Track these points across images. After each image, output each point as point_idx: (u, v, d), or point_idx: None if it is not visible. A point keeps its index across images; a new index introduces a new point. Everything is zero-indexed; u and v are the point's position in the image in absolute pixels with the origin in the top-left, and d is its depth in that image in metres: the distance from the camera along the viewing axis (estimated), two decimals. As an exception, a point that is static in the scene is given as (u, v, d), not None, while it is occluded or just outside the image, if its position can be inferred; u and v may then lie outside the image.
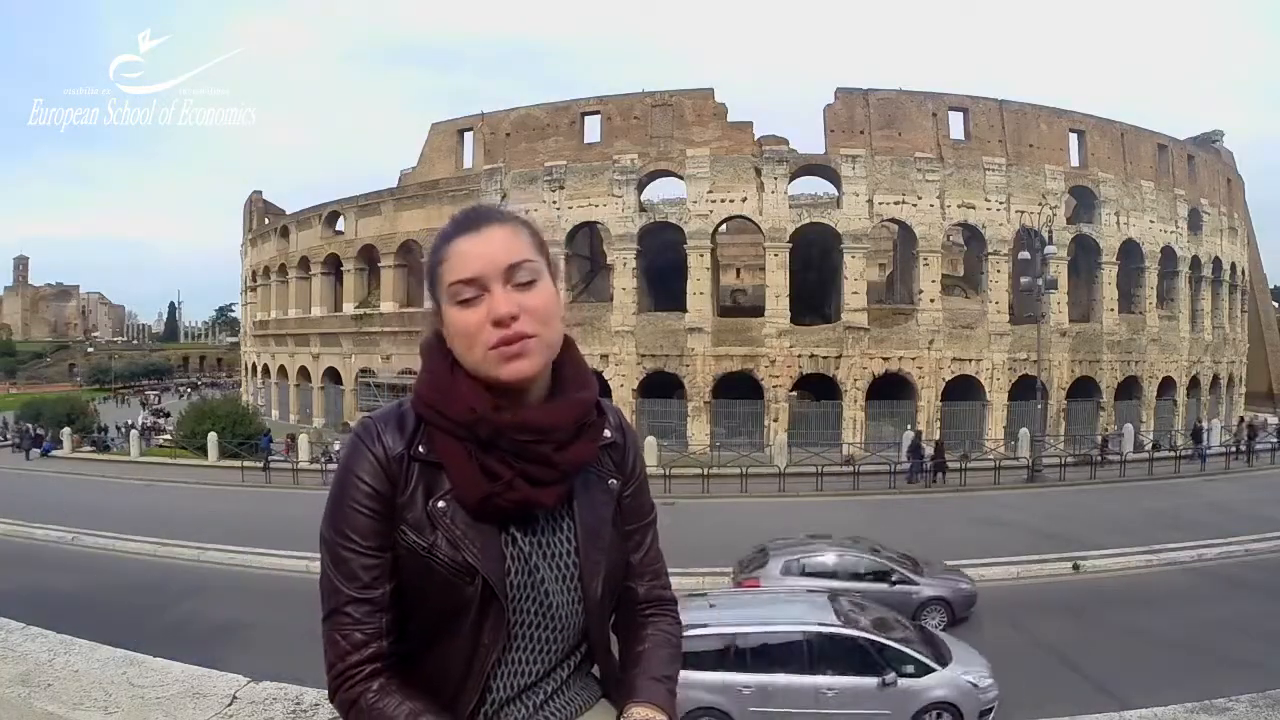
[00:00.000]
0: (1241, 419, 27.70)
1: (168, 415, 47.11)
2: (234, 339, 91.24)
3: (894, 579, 10.66)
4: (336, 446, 25.08)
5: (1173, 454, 24.66)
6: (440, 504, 1.08)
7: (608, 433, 1.21)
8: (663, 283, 31.68)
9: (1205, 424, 27.65)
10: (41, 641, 2.21)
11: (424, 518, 1.08)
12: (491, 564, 1.07)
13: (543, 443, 1.09)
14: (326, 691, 1.10)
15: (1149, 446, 26.93)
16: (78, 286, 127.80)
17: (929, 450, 23.27)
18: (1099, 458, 24.19)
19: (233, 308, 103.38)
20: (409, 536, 1.07)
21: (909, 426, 27.10)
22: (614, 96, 30.95)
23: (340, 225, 37.91)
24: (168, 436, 35.01)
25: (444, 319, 1.10)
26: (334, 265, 37.61)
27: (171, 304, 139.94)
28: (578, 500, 1.16)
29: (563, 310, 1.14)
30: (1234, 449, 25.51)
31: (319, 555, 1.11)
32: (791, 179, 29.41)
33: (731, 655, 7.69)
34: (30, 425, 35.53)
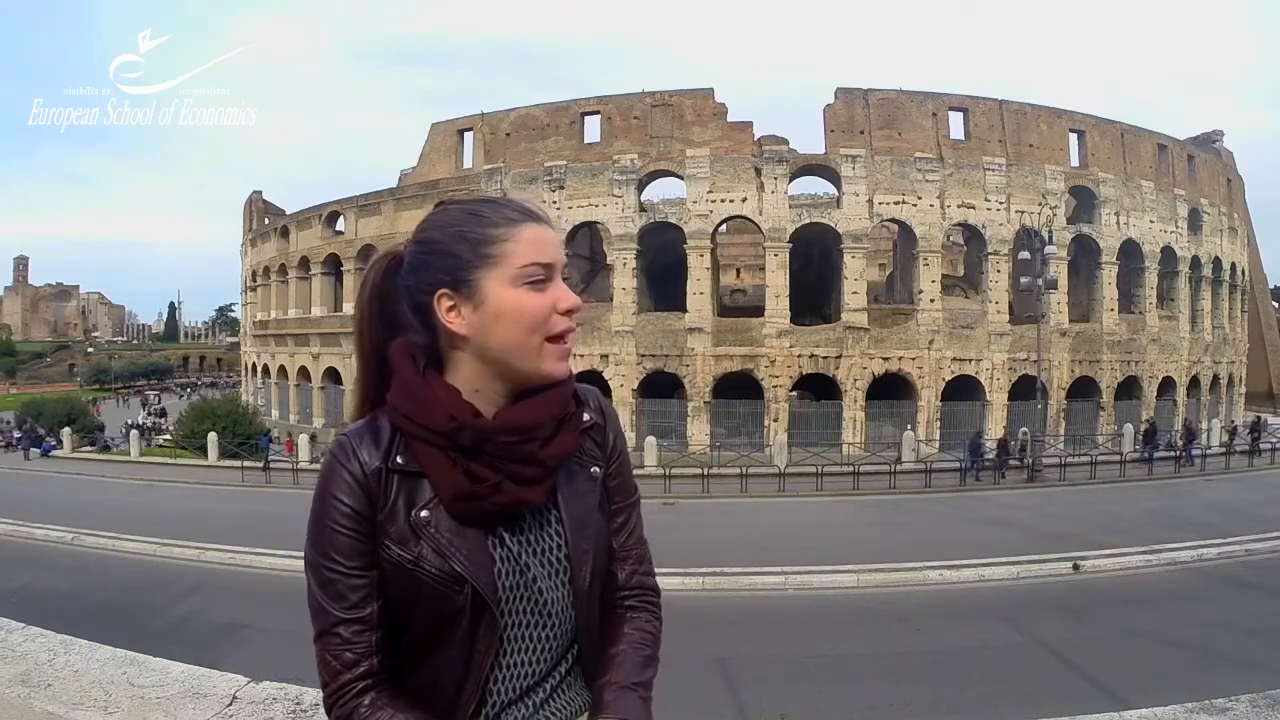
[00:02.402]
0: (1186, 421, 27.29)
1: (164, 415, 47.13)
2: (234, 339, 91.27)
3: None
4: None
5: (1125, 457, 23.92)
6: (423, 514, 1.06)
7: (588, 416, 1.20)
8: (663, 283, 31.70)
9: (1158, 424, 27.06)
10: (41, 641, 2.20)
11: (407, 530, 1.05)
12: (480, 570, 1.06)
13: (528, 441, 1.08)
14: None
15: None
16: (78, 286, 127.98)
17: (991, 447, 23.22)
18: (1018, 460, 23.00)
19: (233, 308, 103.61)
20: (393, 551, 1.05)
21: (908, 427, 27.14)
22: (614, 96, 30.95)
23: (340, 225, 37.91)
24: (167, 436, 35.03)
25: (488, 301, 1.06)
26: (334, 265, 37.60)
27: (171, 304, 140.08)
28: (562, 492, 1.14)
29: None
30: (1177, 453, 24.62)
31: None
32: (791, 179, 29.41)
33: None
34: (30, 423, 35.47)
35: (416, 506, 1.06)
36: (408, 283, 1.12)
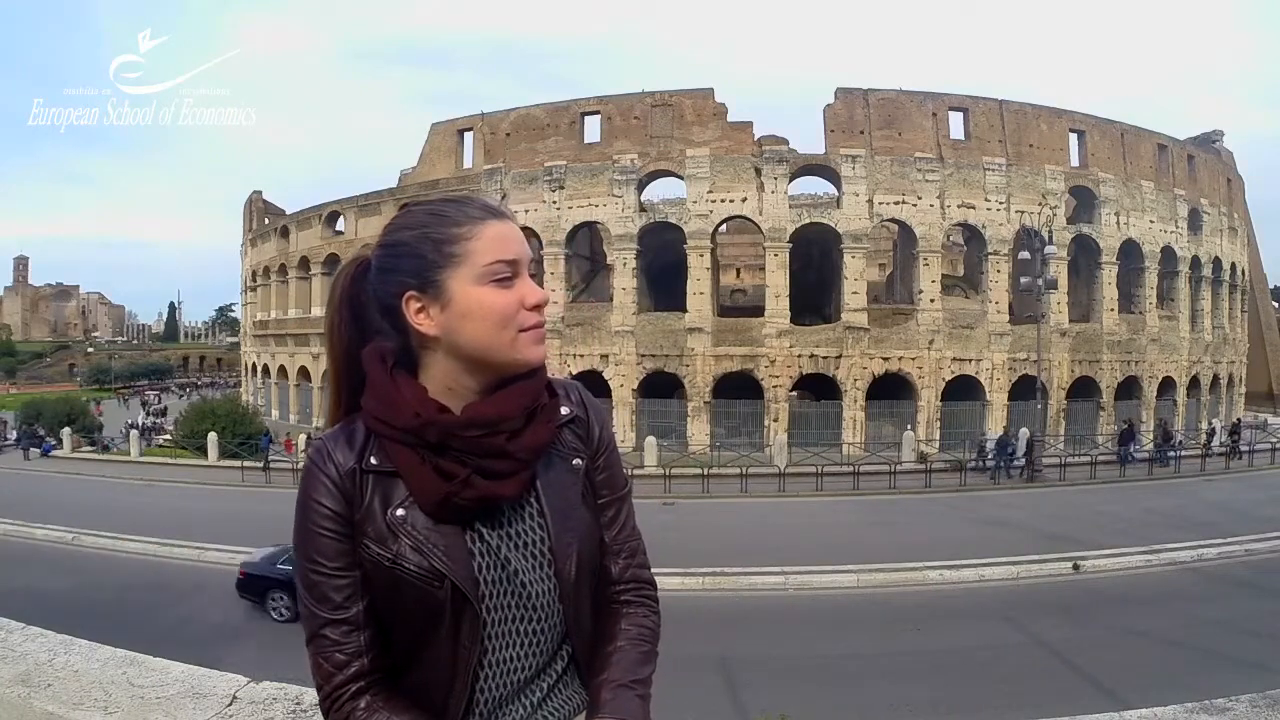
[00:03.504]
0: (1161, 422, 27.16)
1: (164, 414, 47.11)
2: (234, 339, 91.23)
3: None
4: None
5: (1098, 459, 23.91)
6: (399, 512, 1.07)
7: (565, 409, 1.20)
8: (663, 283, 31.68)
9: (1136, 425, 26.75)
10: (41, 641, 2.20)
11: (385, 528, 1.06)
12: (458, 565, 1.06)
13: (494, 435, 1.08)
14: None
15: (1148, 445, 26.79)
16: (78, 286, 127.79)
17: (1020, 447, 23.31)
18: (975, 462, 23.12)
19: (233, 308, 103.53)
20: (372, 550, 1.06)
21: (908, 427, 27.13)
22: (614, 96, 30.94)
23: (340, 225, 37.92)
24: (167, 436, 35.02)
25: (455, 301, 1.07)
26: (334, 265, 37.49)
27: (171, 304, 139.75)
28: (542, 483, 1.14)
29: None
30: (1153, 454, 24.50)
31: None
32: (791, 179, 29.40)
33: None
34: (23, 423, 35.41)
35: (392, 506, 1.07)
36: (375, 287, 1.13)
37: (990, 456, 23.23)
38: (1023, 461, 22.80)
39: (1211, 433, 27.28)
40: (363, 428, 1.11)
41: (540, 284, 1.28)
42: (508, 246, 1.09)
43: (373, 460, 1.08)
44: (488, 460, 1.08)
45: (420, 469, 1.07)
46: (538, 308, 1.10)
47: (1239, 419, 28.90)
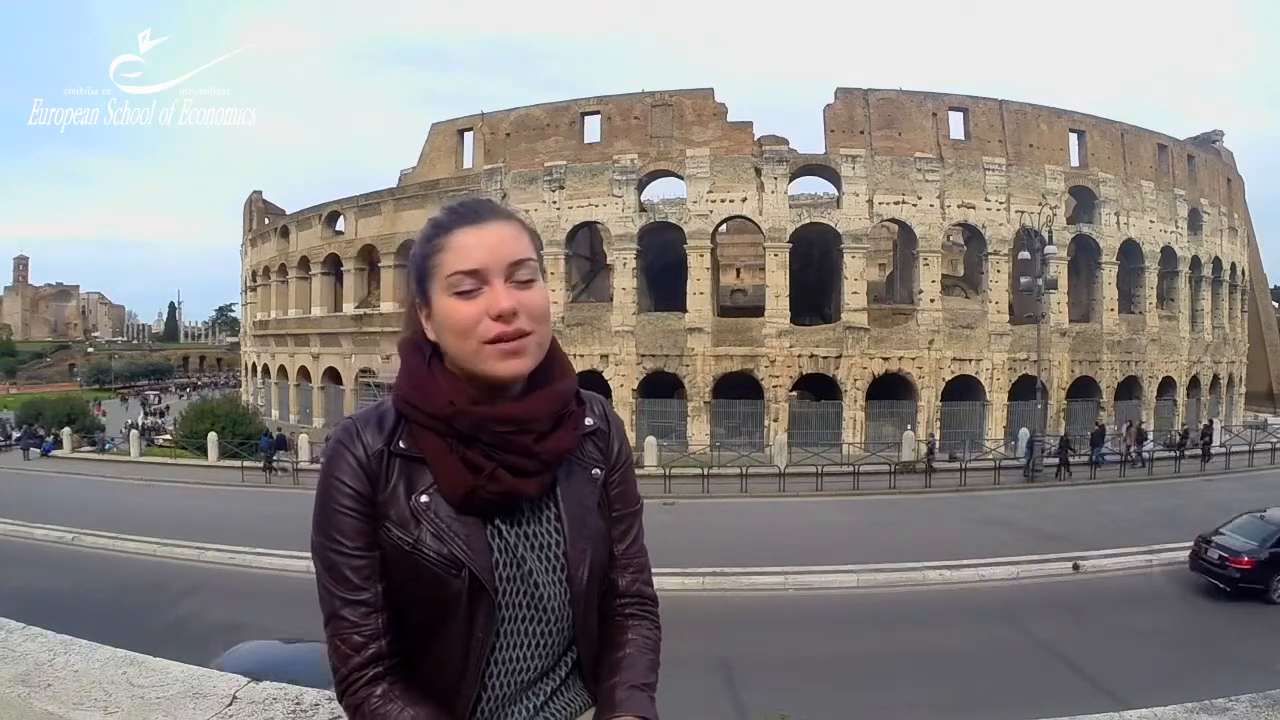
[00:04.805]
0: (1130, 423, 26.81)
1: (164, 414, 47.13)
2: (234, 339, 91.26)
3: None
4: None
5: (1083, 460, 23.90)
6: (423, 498, 1.08)
7: (590, 420, 1.22)
8: (663, 283, 31.68)
9: (1108, 426, 26.47)
10: (41, 641, 2.20)
11: (407, 513, 1.08)
12: (478, 555, 1.07)
13: (522, 434, 1.09)
14: (330, 692, 1.11)
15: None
16: (78, 286, 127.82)
17: (1052, 445, 23.44)
18: (924, 464, 22.84)
19: (233, 308, 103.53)
20: (393, 534, 1.07)
21: (908, 427, 27.13)
22: (614, 96, 30.93)
23: (340, 225, 37.89)
24: (168, 436, 35.01)
25: (433, 310, 1.09)
26: (334, 265, 37.59)
27: (171, 304, 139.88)
28: (561, 489, 1.16)
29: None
30: (1124, 455, 24.40)
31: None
32: (791, 179, 29.40)
33: None
34: (17, 425, 35.45)
35: (417, 491, 1.08)
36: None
37: (1021, 455, 23.51)
38: (1058, 460, 23.02)
39: (1184, 435, 27.25)
40: (393, 411, 1.13)
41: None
42: (468, 255, 1.06)
43: (401, 444, 1.10)
44: (513, 457, 1.09)
45: (448, 458, 1.08)
46: (501, 317, 1.05)
47: (1209, 421, 28.86)
